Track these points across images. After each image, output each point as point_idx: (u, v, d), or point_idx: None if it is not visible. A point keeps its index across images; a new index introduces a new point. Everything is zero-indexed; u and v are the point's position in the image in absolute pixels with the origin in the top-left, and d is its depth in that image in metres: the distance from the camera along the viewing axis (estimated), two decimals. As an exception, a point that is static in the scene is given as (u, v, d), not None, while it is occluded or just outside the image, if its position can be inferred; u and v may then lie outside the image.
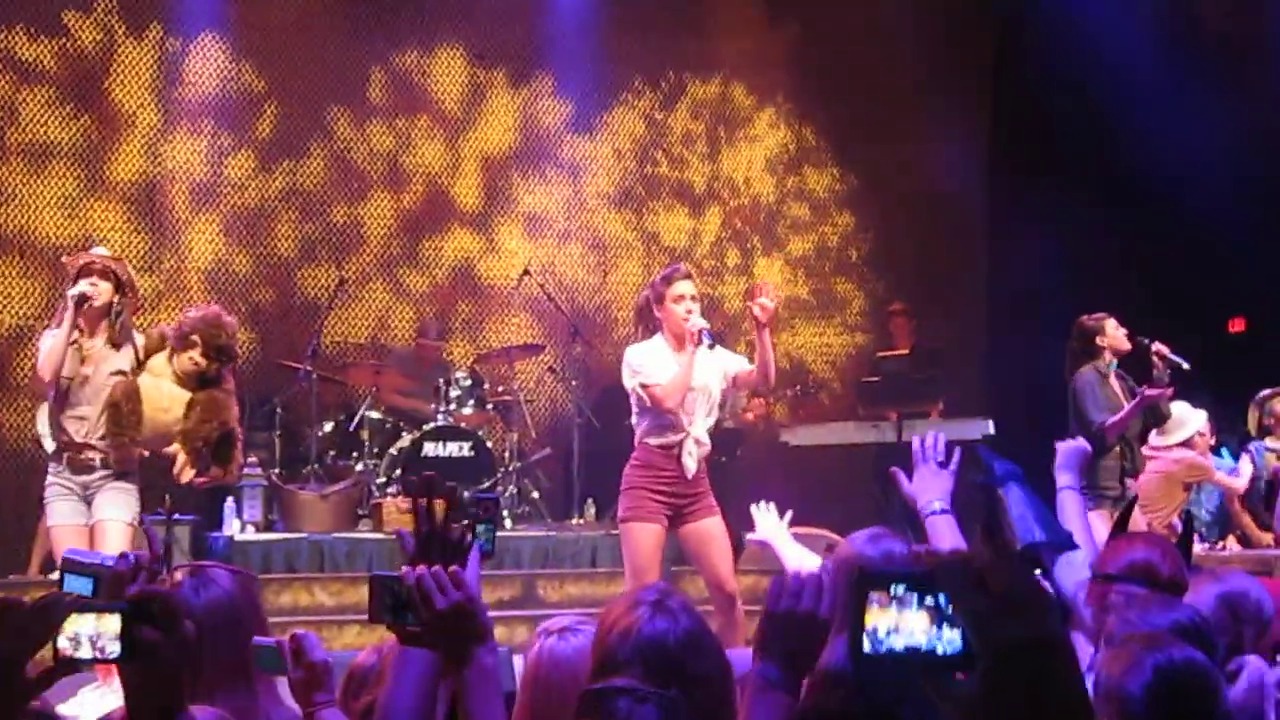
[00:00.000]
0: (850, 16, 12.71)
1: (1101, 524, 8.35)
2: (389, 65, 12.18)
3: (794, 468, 10.74)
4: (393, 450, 10.24)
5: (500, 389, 11.00)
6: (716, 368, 6.86)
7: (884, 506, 10.04)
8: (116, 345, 6.89)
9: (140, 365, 6.92)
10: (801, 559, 4.55)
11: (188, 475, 6.95)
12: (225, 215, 11.62)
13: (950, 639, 1.43)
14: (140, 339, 6.99)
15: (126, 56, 11.33)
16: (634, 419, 6.83)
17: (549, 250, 12.49)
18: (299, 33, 11.57)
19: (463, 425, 10.35)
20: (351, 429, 10.46)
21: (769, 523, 4.97)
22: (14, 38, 10.97)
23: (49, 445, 9.18)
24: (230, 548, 9.34)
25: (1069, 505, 4.05)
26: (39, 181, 11.01)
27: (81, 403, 6.83)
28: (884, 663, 1.45)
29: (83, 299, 6.70)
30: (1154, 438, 9.57)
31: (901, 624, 1.44)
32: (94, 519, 6.86)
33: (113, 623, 2.04)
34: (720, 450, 10.76)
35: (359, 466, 10.27)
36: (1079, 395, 8.69)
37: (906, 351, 11.54)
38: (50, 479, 6.91)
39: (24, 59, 11.01)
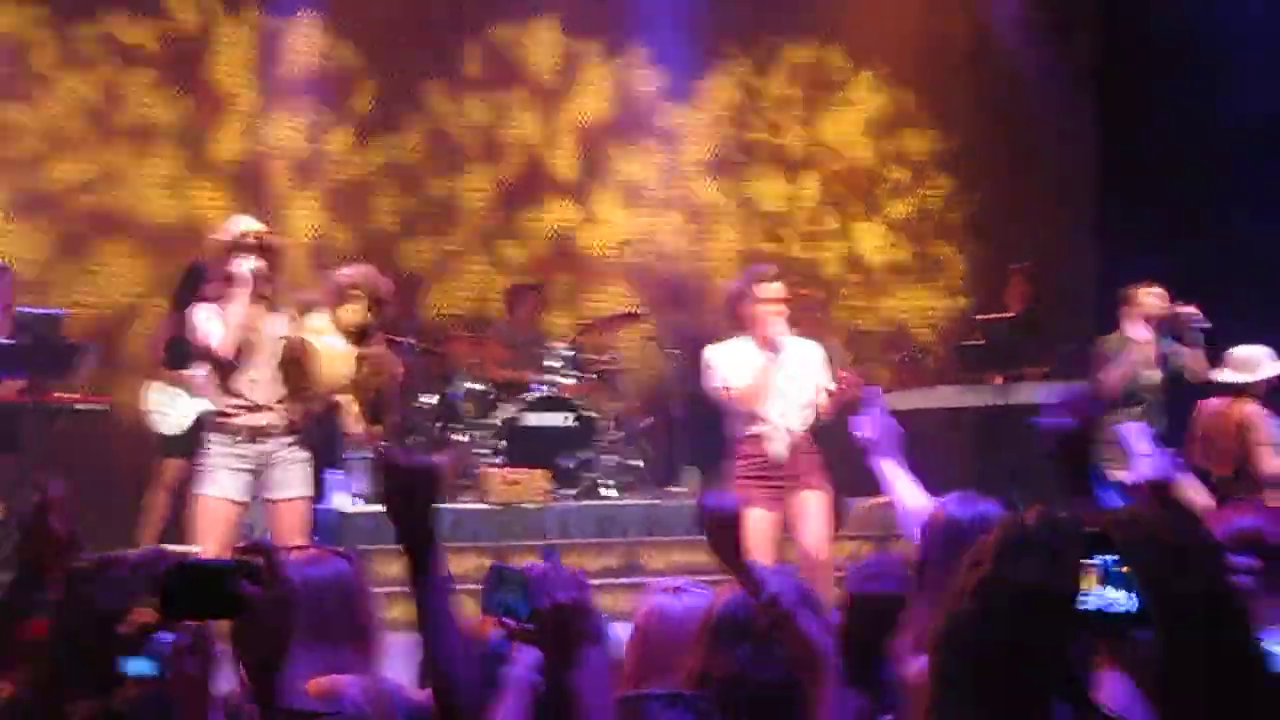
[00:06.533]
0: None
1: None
2: (484, 38, 12.21)
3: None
4: (495, 421, 10.31)
5: (601, 358, 11.03)
6: (808, 363, 7.17)
7: (988, 470, 9.95)
8: (274, 309, 6.90)
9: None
10: (911, 493, 4.28)
11: (359, 427, 7.21)
12: (325, 191, 11.73)
13: (1117, 598, 1.44)
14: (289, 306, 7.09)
15: (226, 37, 11.46)
16: (725, 415, 7.22)
17: (647, 219, 12.48)
18: (395, 8, 11.61)
19: (564, 395, 10.40)
20: (454, 401, 10.53)
21: (886, 443, 4.49)
22: (116, 21, 11.14)
23: (161, 424, 9.36)
24: (340, 521, 9.44)
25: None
26: (144, 162, 11.19)
27: (253, 366, 6.81)
28: None
29: (258, 273, 6.72)
30: (1220, 373, 8.79)
31: None
32: (277, 495, 6.85)
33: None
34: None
35: (462, 437, 10.34)
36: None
37: (1009, 314, 11.40)
38: (218, 449, 6.80)
39: (126, 42, 11.17)
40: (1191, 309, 8.96)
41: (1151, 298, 9.01)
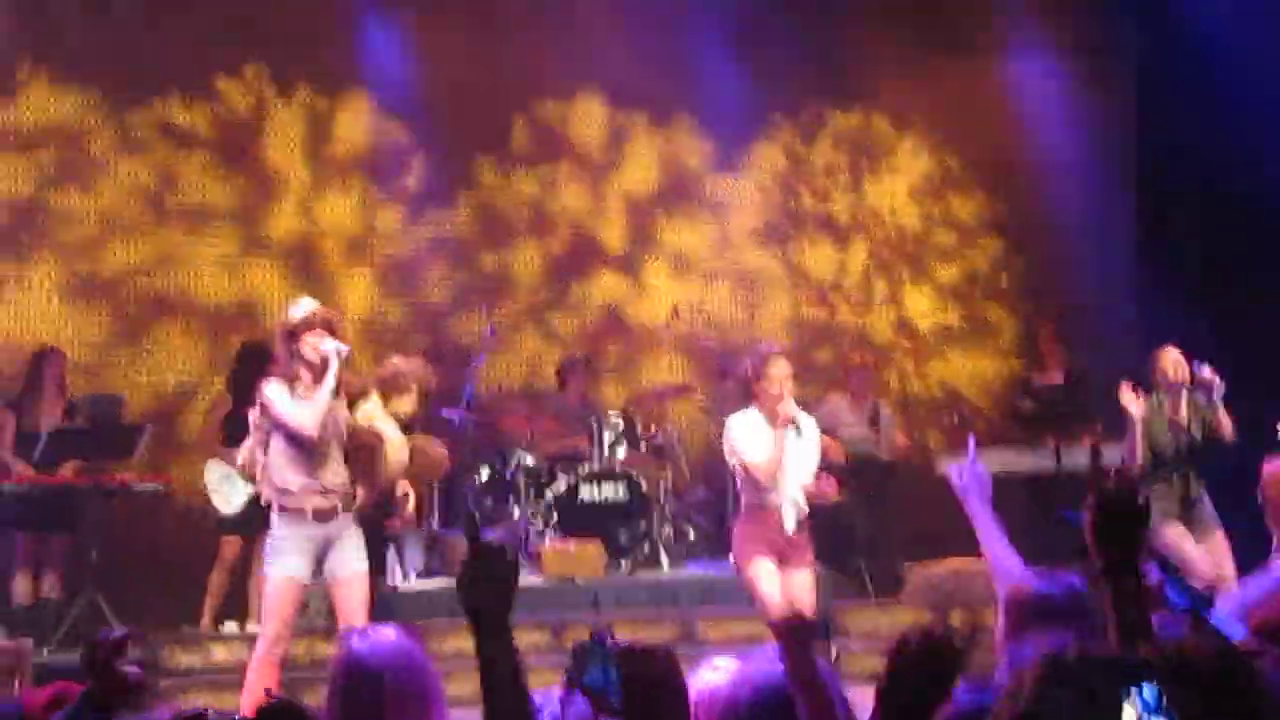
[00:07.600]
0: (986, 45, 12.67)
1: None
2: (530, 113, 12.34)
3: (949, 497, 10.57)
4: (549, 494, 10.32)
5: (653, 430, 11.04)
6: (811, 441, 7.43)
7: (1055, 539, 9.86)
8: (336, 393, 6.96)
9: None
10: (995, 544, 4.24)
11: (410, 508, 7.59)
12: (377, 267, 11.85)
13: None
14: None
15: (277, 118, 11.65)
16: (738, 482, 7.51)
17: (696, 289, 12.52)
18: (441, 85, 11.74)
19: (617, 468, 10.42)
20: (508, 475, 10.55)
21: (974, 483, 4.46)
22: (169, 106, 11.33)
23: (220, 503, 9.41)
24: (394, 596, 9.47)
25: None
26: (199, 243, 11.35)
27: (321, 449, 6.90)
28: None
29: (344, 356, 6.84)
30: None
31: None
32: (341, 572, 6.96)
33: None
34: (872, 483, 10.74)
35: (515, 512, 10.36)
36: None
37: (1060, 376, 11.34)
38: (283, 531, 6.89)
39: (180, 125, 11.37)
40: (1206, 372, 8.78)
41: (1169, 361, 8.88)
